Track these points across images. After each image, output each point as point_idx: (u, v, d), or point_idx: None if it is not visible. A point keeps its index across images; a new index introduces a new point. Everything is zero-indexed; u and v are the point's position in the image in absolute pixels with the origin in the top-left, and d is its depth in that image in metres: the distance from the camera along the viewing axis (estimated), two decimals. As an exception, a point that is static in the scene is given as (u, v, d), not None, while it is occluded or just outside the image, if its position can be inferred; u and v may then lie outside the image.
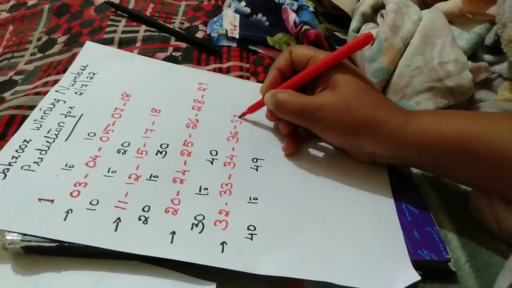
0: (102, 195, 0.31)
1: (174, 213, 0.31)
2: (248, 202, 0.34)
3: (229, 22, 0.54)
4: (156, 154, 0.36)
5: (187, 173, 0.35)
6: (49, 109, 0.38)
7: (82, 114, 0.38)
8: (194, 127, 0.40)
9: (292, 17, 0.56)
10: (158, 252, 0.29)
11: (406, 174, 0.40)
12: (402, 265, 0.31)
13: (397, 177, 0.39)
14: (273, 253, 0.30)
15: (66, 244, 0.28)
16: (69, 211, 0.30)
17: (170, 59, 0.48)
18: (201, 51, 0.51)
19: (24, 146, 0.34)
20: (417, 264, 0.31)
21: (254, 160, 0.37)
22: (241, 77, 0.48)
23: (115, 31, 0.50)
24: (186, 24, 0.55)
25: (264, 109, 0.40)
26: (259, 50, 0.52)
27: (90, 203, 0.31)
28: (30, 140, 0.34)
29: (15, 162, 0.33)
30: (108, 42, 0.48)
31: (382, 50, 0.45)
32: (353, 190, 0.37)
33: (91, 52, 0.45)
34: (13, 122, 0.37)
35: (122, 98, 0.41)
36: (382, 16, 0.49)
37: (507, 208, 0.33)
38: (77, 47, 0.47)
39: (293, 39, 0.56)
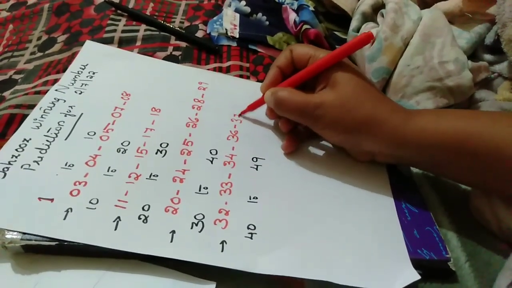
0: (102, 194, 0.31)
1: (174, 212, 0.32)
2: (248, 201, 0.34)
3: (229, 21, 0.54)
4: (156, 153, 0.36)
5: (187, 172, 0.35)
6: (49, 108, 0.38)
7: (82, 113, 0.38)
8: (194, 126, 0.40)
9: (292, 16, 0.56)
10: (158, 251, 0.29)
11: (406, 173, 0.40)
12: (401, 264, 0.31)
13: (397, 177, 0.39)
14: (273, 252, 0.30)
15: (66, 243, 0.28)
16: (69, 210, 0.30)
17: (170, 58, 0.48)
18: (201, 51, 0.51)
19: (24, 145, 0.34)
20: (417, 264, 0.31)
21: (254, 159, 0.37)
22: (241, 76, 0.48)
23: (115, 30, 0.50)
24: (186, 24, 0.55)
25: (264, 109, 0.41)
26: (259, 50, 0.52)
27: (90, 202, 0.31)
28: (30, 139, 0.34)
29: (15, 161, 0.33)
30: (108, 41, 0.48)
31: (382, 49, 0.45)
32: (353, 189, 0.37)
33: (91, 51, 0.45)
34: (13, 121, 0.37)
35: (122, 97, 0.41)
36: (382, 16, 0.49)
37: (507, 208, 0.33)
38: (77, 46, 0.47)
39: (293, 39, 0.56)
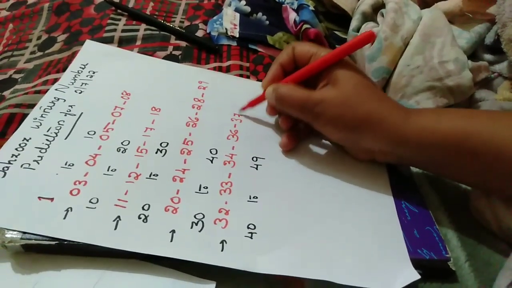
0: (102, 193, 0.31)
1: (174, 211, 0.31)
2: (248, 201, 0.34)
3: (229, 21, 0.54)
4: (156, 152, 0.36)
5: (187, 172, 0.35)
6: (49, 108, 0.38)
7: (82, 113, 0.38)
8: (194, 125, 0.39)
9: (292, 16, 0.56)
10: (158, 251, 0.29)
11: (406, 173, 0.40)
12: (401, 264, 0.31)
13: (397, 177, 0.39)
14: (273, 251, 0.30)
15: (65, 243, 0.28)
16: (69, 209, 0.30)
17: (170, 57, 0.48)
18: (201, 50, 0.51)
19: (24, 144, 0.34)
20: (417, 263, 0.31)
21: (254, 158, 0.37)
22: (241, 76, 0.48)
23: (115, 30, 0.50)
24: (186, 23, 0.55)
25: (264, 108, 0.40)
26: (259, 49, 0.52)
27: (90, 202, 0.31)
28: (30, 138, 0.34)
29: (15, 160, 0.33)
30: (108, 40, 0.48)
31: (382, 49, 0.45)
32: (353, 189, 0.37)
33: (91, 51, 0.45)
34: (13, 121, 0.37)
35: (122, 97, 0.41)
36: (382, 15, 0.49)
37: (507, 208, 0.33)
38: (77, 45, 0.47)
39: (293, 38, 0.56)
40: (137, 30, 0.51)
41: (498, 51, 0.46)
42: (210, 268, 0.29)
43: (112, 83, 0.42)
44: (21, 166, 0.32)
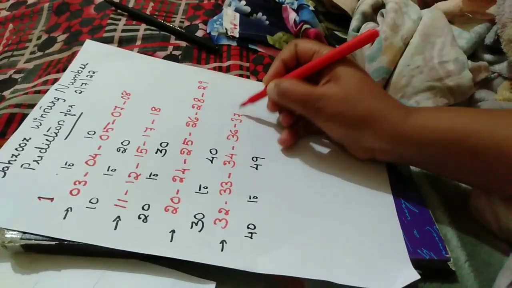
0: (101, 193, 0.31)
1: (174, 211, 0.31)
2: (248, 201, 0.34)
3: (229, 21, 0.54)
4: (156, 152, 0.36)
5: (187, 172, 0.35)
6: (49, 108, 0.38)
7: (82, 113, 0.38)
8: (194, 125, 0.39)
9: (292, 16, 0.56)
10: (158, 251, 0.29)
11: (406, 173, 0.40)
12: (401, 264, 0.31)
13: (397, 176, 0.39)
14: (273, 252, 0.30)
15: (65, 243, 0.28)
16: (69, 209, 0.30)
17: (170, 57, 0.48)
18: (201, 50, 0.51)
19: (24, 144, 0.34)
20: (417, 263, 0.31)
21: (254, 158, 0.37)
22: (241, 76, 0.48)
23: (115, 30, 0.50)
24: (186, 23, 0.55)
25: (264, 108, 0.40)
26: (259, 49, 0.52)
27: (90, 202, 0.31)
28: (30, 138, 0.34)
29: (15, 160, 0.33)
30: (108, 40, 0.48)
31: (382, 49, 0.45)
32: (353, 189, 0.37)
33: (91, 51, 0.45)
34: (13, 121, 0.37)
35: (122, 97, 0.41)
36: (382, 16, 0.49)
37: (507, 207, 0.33)
38: (77, 45, 0.47)
39: (293, 38, 0.56)
40: (137, 30, 0.51)
41: (498, 51, 0.46)
42: (210, 268, 0.29)
43: (112, 83, 0.42)
44: (21, 166, 0.32)
